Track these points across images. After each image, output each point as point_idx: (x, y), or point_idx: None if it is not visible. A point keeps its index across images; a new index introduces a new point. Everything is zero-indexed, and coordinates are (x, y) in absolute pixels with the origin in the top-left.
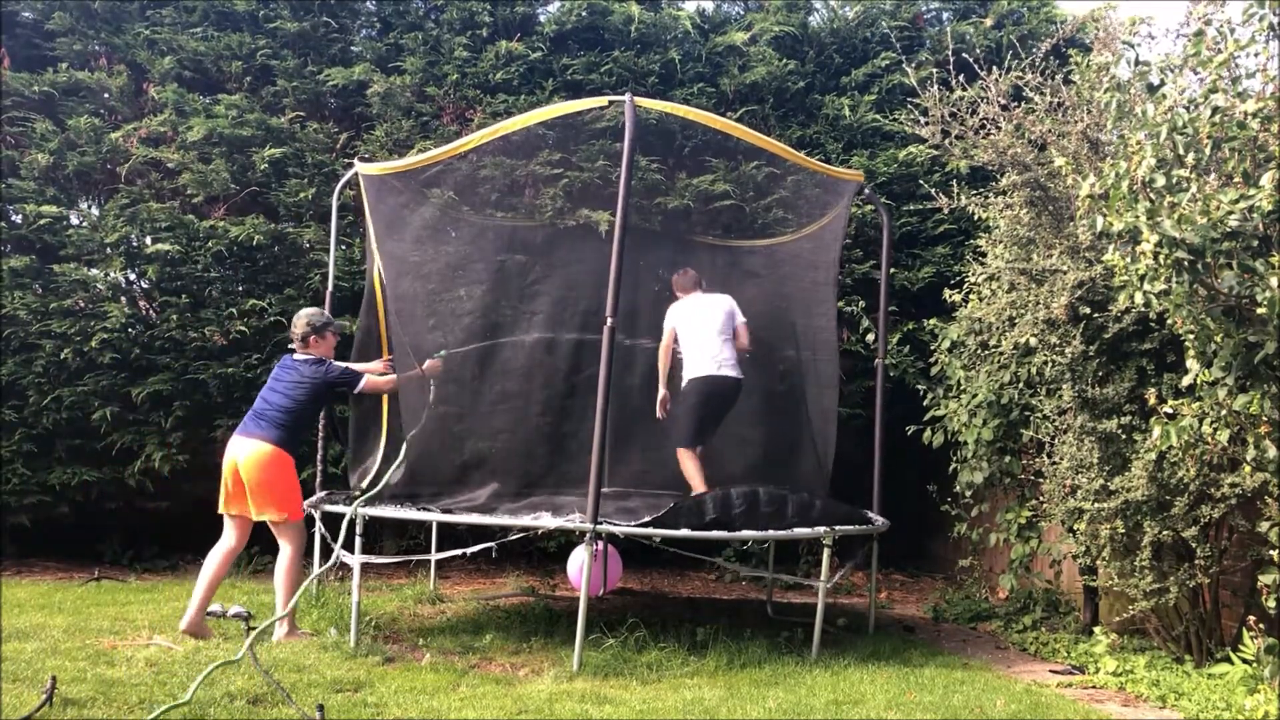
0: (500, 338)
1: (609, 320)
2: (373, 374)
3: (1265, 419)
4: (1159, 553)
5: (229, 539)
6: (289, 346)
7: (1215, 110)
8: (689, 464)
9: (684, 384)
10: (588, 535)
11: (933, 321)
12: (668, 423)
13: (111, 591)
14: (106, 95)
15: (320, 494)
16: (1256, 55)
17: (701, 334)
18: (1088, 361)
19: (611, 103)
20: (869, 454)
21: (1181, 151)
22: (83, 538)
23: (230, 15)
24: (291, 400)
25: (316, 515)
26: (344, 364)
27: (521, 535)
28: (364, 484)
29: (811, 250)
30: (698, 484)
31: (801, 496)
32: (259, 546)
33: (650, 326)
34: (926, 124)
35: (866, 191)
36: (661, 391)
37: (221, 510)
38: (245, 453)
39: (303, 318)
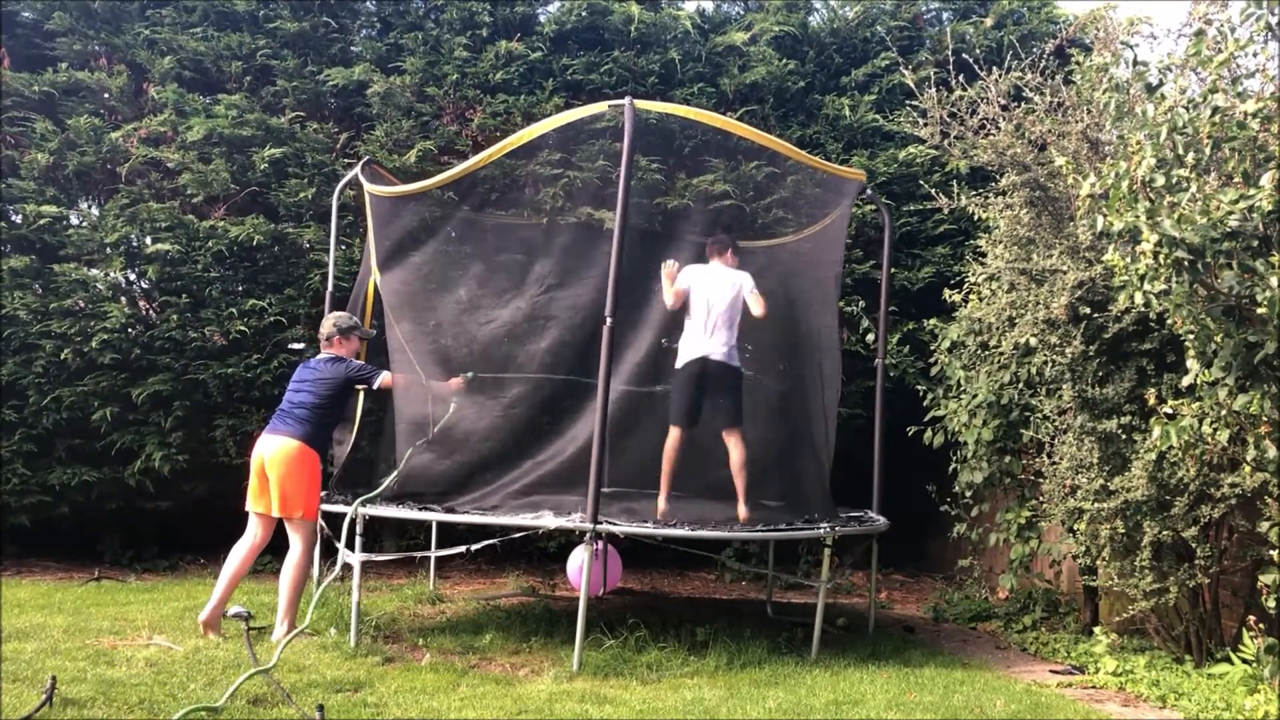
0: (503, 338)
1: (608, 320)
2: (392, 374)
3: (1265, 419)
4: (1159, 553)
5: (253, 536)
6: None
7: (1215, 110)
8: (669, 447)
9: (679, 364)
10: (588, 535)
11: (933, 321)
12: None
13: (111, 591)
14: (106, 95)
15: (321, 493)
16: (1256, 55)
17: (704, 312)
18: (1088, 361)
19: (611, 107)
20: (869, 454)
21: (1181, 151)
22: (83, 538)
23: (230, 15)
24: (316, 397)
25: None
26: (362, 363)
27: (522, 535)
28: (337, 467)
29: (813, 250)
30: (664, 479)
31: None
32: None
33: (651, 325)
34: (925, 125)
35: (868, 191)
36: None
37: (248, 507)
38: (273, 448)
39: (330, 319)
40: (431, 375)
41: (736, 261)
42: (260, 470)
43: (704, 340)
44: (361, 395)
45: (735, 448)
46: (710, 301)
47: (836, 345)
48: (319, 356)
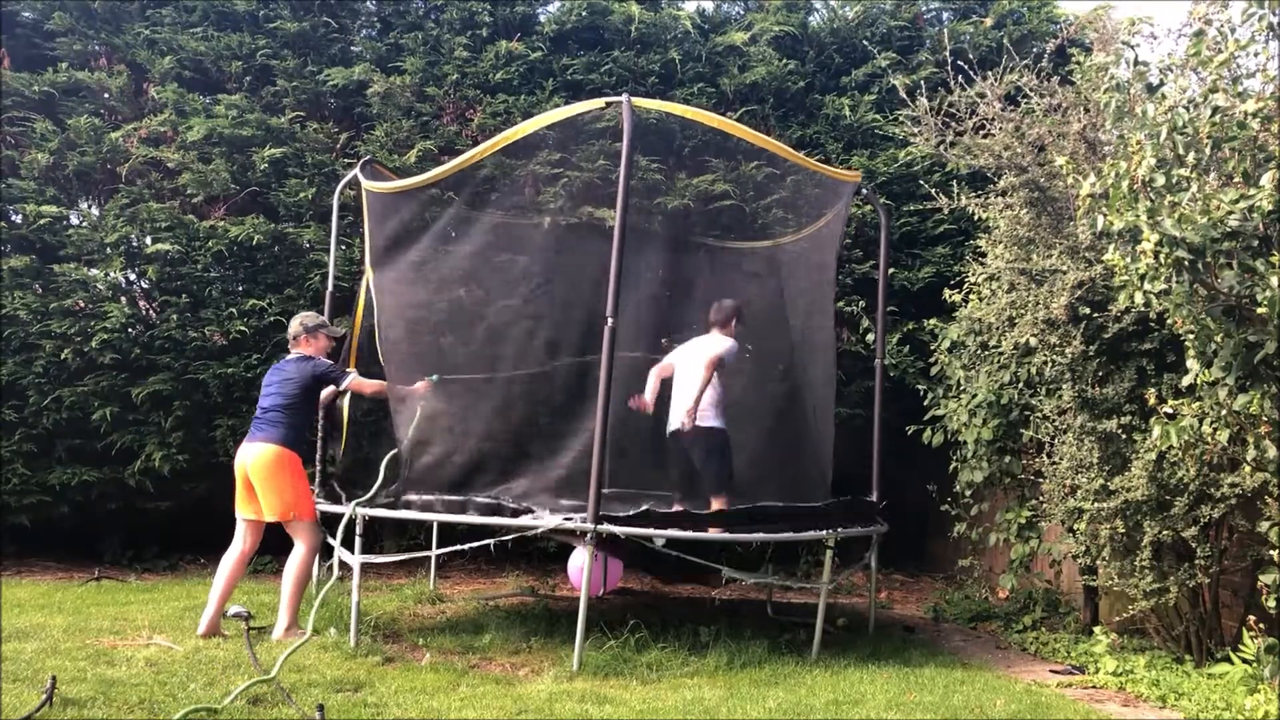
0: (501, 337)
1: (609, 320)
2: (361, 378)
3: (1265, 419)
4: (1159, 553)
5: (242, 542)
6: (289, 348)
7: (1215, 110)
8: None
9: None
10: (588, 535)
11: (933, 321)
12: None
13: (111, 591)
14: (106, 95)
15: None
16: (1256, 55)
17: (677, 385)
18: (1088, 361)
19: (609, 104)
20: (869, 454)
21: (1182, 151)
22: (83, 538)
23: (230, 15)
24: (284, 397)
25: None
26: (331, 362)
27: (522, 535)
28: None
29: (811, 250)
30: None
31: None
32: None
33: (652, 325)
34: (921, 132)
35: (865, 192)
36: (645, 397)
37: (236, 513)
38: (252, 456)
39: (296, 319)
40: (426, 374)
41: (738, 330)
42: (244, 478)
43: (676, 411)
44: (348, 397)
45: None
46: (684, 372)
47: (832, 345)
48: (287, 357)
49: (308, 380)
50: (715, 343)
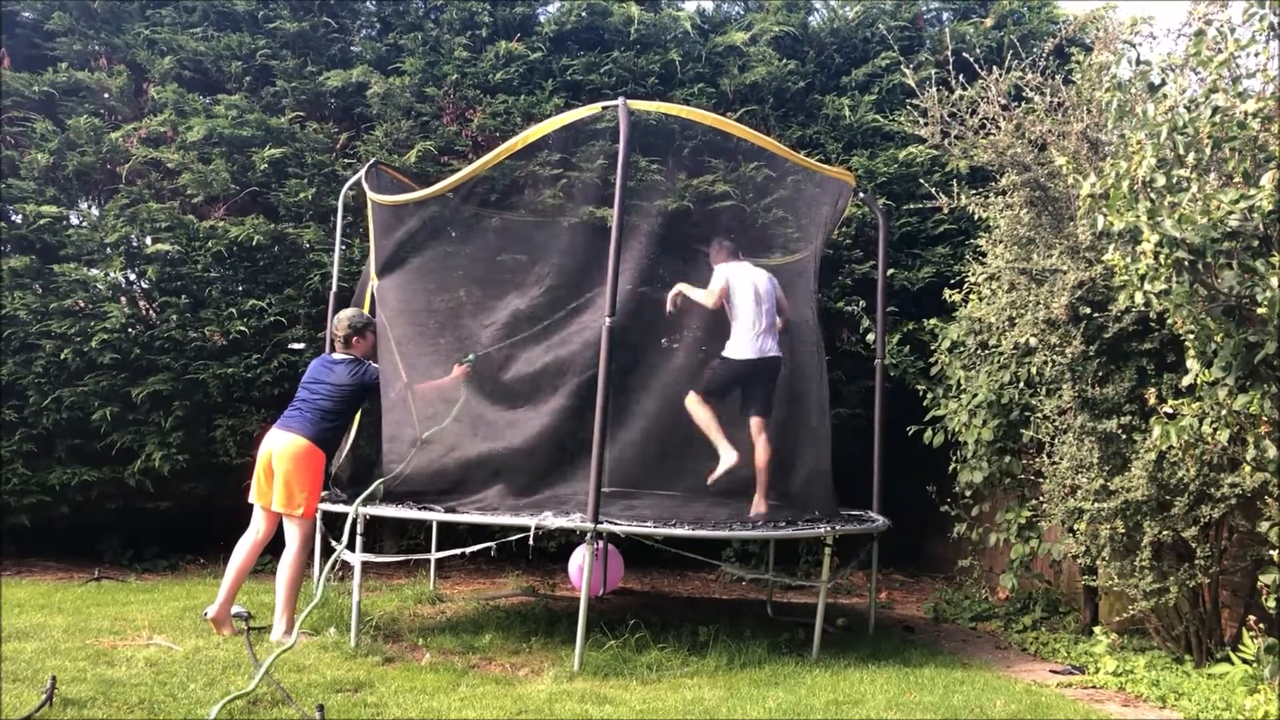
0: (503, 338)
1: (607, 320)
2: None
3: (1265, 419)
4: (1159, 553)
5: (256, 530)
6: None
7: (1216, 110)
8: (700, 412)
9: (724, 360)
10: (588, 535)
11: (933, 321)
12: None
13: (111, 591)
14: (106, 95)
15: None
16: (1257, 55)
17: (751, 307)
18: (1088, 361)
19: (605, 108)
20: (869, 454)
21: (1182, 151)
22: (83, 538)
23: (230, 15)
24: (333, 403)
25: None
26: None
27: (522, 535)
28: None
29: (808, 259)
30: (719, 441)
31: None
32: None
33: (650, 325)
34: (925, 124)
35: (862, 196)
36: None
37: (251, 499)
38: (281, 444)
39: (343, 320)
40: (427, 378)
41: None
42: (267, 464)
43: (765, 336)
44: None
45: (763, 444)
46: (760, 294)
47: (819, 337)
48: (336, 357)
49: (358, 390)
50: (765, 274)
